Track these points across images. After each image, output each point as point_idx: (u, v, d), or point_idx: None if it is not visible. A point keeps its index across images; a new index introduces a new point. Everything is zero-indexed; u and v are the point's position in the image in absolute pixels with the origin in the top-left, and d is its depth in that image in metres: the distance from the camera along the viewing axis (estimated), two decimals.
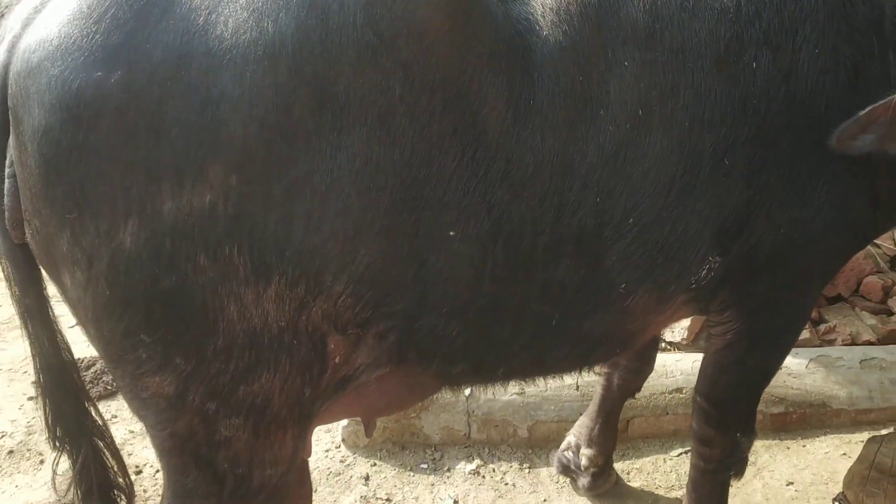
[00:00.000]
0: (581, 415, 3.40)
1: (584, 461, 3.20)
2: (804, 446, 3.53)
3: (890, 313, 4.13)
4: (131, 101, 1.45)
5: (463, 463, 3.43)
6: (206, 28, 1.49)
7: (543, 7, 1.74)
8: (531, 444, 3.53)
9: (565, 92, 1.71)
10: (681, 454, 3.50)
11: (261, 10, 1.50)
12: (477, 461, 3.44)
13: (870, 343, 3.88)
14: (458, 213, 1.70)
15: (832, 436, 3.58)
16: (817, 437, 3.56)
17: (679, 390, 3.56)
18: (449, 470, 3.41)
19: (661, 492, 3.32)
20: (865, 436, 3.56)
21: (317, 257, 1.60)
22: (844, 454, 3.47)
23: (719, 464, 2.69)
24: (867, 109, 1.86)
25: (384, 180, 1.60)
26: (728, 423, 2.61)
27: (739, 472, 2.74)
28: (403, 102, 1.57)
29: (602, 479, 3.23)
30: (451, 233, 1.71)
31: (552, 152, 1.72)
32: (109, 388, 3.84)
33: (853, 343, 3.87)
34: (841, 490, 2.95)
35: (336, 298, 1.67)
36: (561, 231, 1.79)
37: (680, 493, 3.28)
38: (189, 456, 1.76)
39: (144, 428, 1.80)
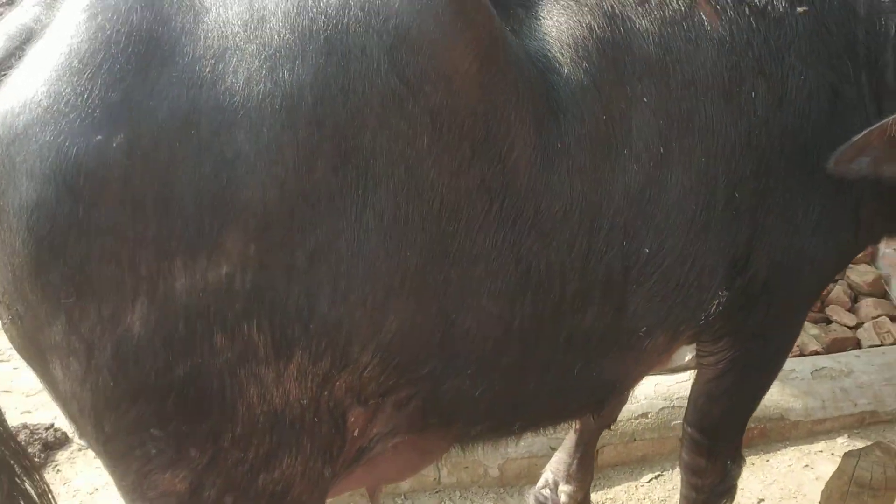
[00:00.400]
0: (551, 449, 3.33)
1: (563, 498, 3.12)
2: (768, 461, 3.57)
3: (828, 321, 4.26)
4: (137, 167, 1.27)
5: None
6: (214, 80, 1.32)
7: (560, 43, 1.66)
8: (503, 482, 3.44)
9: (590, 132, 1.63)
10: (651, 480, 3.48)
11: (274, 57, 1.34)
12: None
13: (817, 353, 3.98)
14: (487, 267, 1.59)
15: (792, 448, 3.64)
16: (779, 450, 3.61)
17: (644, 415, 3.55)
18: None
19: None
20: (822, 446, 3.66)
21: (344, 327, 1.45)
22: (807, 466, 3.54)
23: (710, 494, 2.67)
24: (863, 133, 1.87)
25: (413, 238, 1.47)
26: (719, 451, 2.60)
27: (730, 500, 2.72)
28: (432, 152, 1.45)
29: None
30: (480, 289, 1.59)
31: (581, 196, 1.64)
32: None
33: (801, 354, 3.96)
34: None
35: (363, 370, 1.53)
36: (589, 277, 1.70)
37: None
38: None
39: None
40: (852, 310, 4.33)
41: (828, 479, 3.13)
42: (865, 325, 4.22)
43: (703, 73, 1.81)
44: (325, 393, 1.51)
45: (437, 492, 3.38)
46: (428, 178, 1.45)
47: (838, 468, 2.86)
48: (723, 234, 1.88)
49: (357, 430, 1.65)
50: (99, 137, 1.25)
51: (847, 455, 2.85)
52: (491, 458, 3.40)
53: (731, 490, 2.69)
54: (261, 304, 1.37)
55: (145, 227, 1.29)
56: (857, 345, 4.14)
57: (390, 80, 1.39)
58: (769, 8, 1.97)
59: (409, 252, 1.47)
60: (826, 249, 2.19)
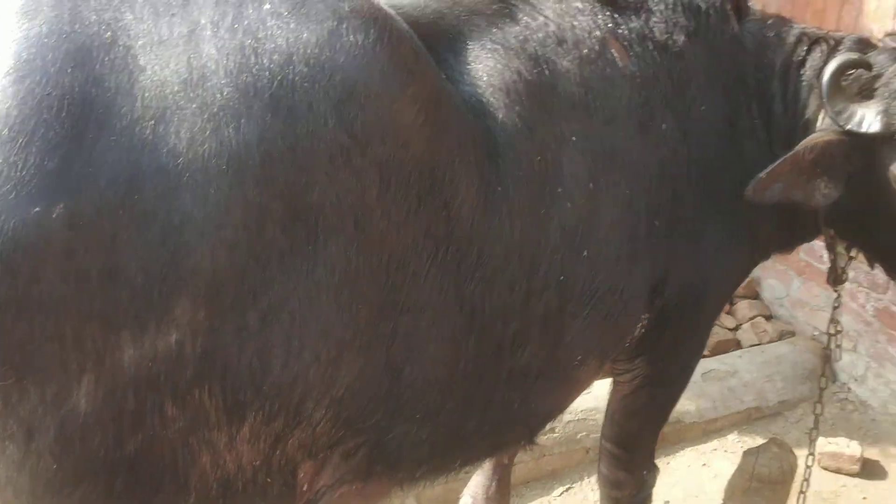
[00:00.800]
0: (465, 473, 3.36)
1: None
2: (668, 463, 3.73)
3: None
4: (80, 238, 1.20)
5: None
6: (155, 142, 1.26)
7: (492, 87, 1.68)
8: None
9: (526, 174, 1.67)
10: (563, 493, 3.56)
11: (218, 116, 1.30)
12: None
13: (704, 356, 4.20)
14: (434, 315, 1.59)
15: (689, 449, 3.83)
16: (677, 452, 3.79)
17: (552, 430, 3.63)
18: None
19: None
20: (716, 444, 3.87)
21: (298, 386, 1.42)
22: (704, 465, 3.73)
23: None
24: (777, 163, 2.00)
25: (363, 291, 1.46)
26: (636, 463, 2.70)
27: None
28: (380, 204, 1.44)
29: None
30: (427, 336, 1.59)
31: (520, 237, 1.67)
32: None
33: None
34: (721, 501, 3.15)
35: (316, 425, 1.50)
36: (529, 315, 1.74)
37: None
38: None
39: None
40: (731, 312, 4.61)
41: (724, 475, 3.34)
42: (744, 325, 4.51)
43: (621, 109, 1.89)
44: (278, 452, 1.48)
45: None
46: (377, 230, 1.45)
47: (739, 467, 3.04)
48: (646, 262, 1.97)
49: (306, 485, 1.62)
50: (37, 209, 1.17)
51: (746, 453, 3.04)
52: (407, 488, 3.38)
53: (647, 499, 2.80)
54: (212, 369, 1.33)
55: (91, 301, 1.22)
56: (738, 345, 4.42)
57: (338, 135, 1.37)
58: (669, 42, 2.08)
59: (360, 306, 1.46)
60: (728, 268, 2.34)
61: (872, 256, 2.42)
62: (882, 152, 2.01)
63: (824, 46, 2.25)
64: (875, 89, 2.00)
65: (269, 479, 1.49)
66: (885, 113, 1.95)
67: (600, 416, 3.59)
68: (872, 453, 3.74)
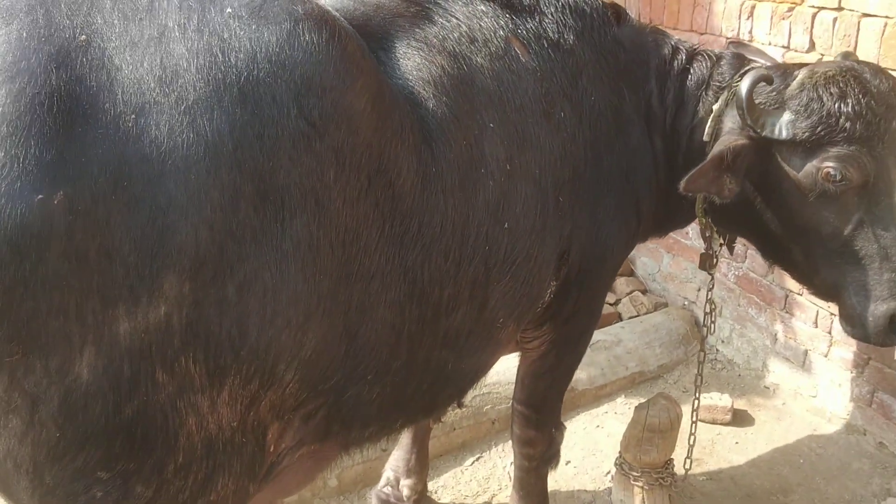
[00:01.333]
0: (383, 451, 3.55)
1: (406, 492, 3.36)
2: (566, 428, 4.05)
3: None
4: (79, 222, 1.32)
5: None
6: (138, 134, 1.40)
7: (421, 81, 1.89)
8: (342, 490, 3.58)
9: (456, 157, 1.89)
10: (473, 462, 3.81)
11: (193, 109, 1.45)
12: None
13: None
14: (382, 282, 1.78)
15: (584, 413, 4.17)
16: (574, 417, 4.11)
17: (461, 405, 3.87)
18: None
19: (469, 501, 3.59)
20: (607, 407, 4.23)
21: (272, 350, 1.58)
22: (598, 426, 4.07)
23: (541, 460, 3.05)
24: (704, 162, 2.36)
25: (324, 262, 1.63)
26: (545, 422, 2.98)
27: (556, 463, 3.12)
28: (336, 184, 1.63)
29: None
30: (377, 302, 1.79)
31: (453, 211, 1.89)
32: None
33: None
34: (619, 453, 3.48)
35: (285, 387, 1.66)
36: (460, 281, 1.96)
37: (485, 497, 3.59)
38: None
39: None
40: (611, 289, 5.01)
41: (617, 433, 3.68)
42: (623, 300, 4.92)
43: (527, 99, 2.15)
44: (252, 413, 1.63)
45: None
46: (334, 207, 1.63)
47: (633, 419, 3.37)
48: (554, 233, 2.24)
49: (272, 446, 1.77)
50: (40, 196, 1.29)
51: (638, 407, 3.38)
52: (329, 469, 3.53)
53: (556, 454, 3.09)
54: (196, 338, 1.47)
55: (90, 278, 1.34)
56: (619, 318, 4.82)
57: (300, 124, 1.55)
58: (561, 41, 2.37)
59: (322, 275, 1.63)
60: (619, 239, 2.65)
61: (751, 242, 2.79)
62: (783, 154, 2.38)
63: (708, 61, 2.64)
64: (785, 102, 2.37)
65: (244, 439, 1.64)
66: (793, 123, 2.33)
67: (503, 390, 3.91)
68: (741, 404, 4.20)
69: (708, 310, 3.26)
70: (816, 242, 2.45)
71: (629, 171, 2.56)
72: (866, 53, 3.37)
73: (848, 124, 2.27)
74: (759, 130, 2.36)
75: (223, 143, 1.46)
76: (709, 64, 2.63)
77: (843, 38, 3.51)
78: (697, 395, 3.46)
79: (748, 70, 2.51)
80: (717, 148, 2.37)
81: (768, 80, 2.38)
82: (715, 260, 2.94)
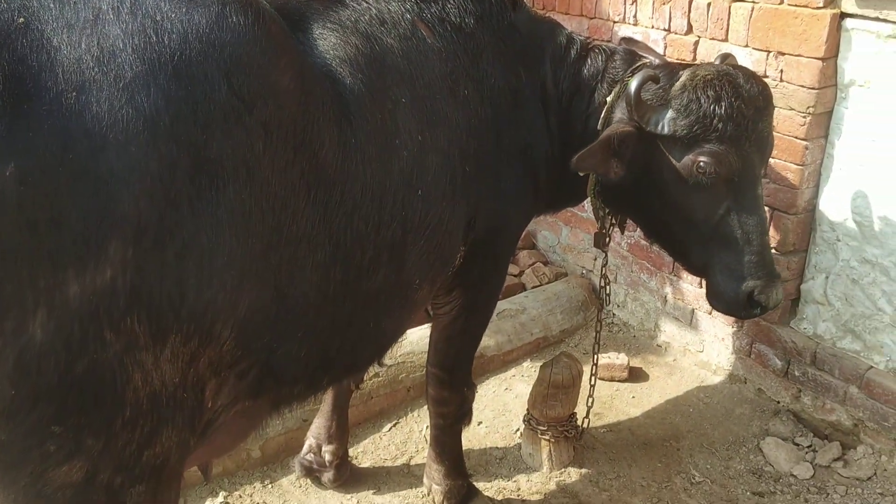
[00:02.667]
0: (304, 421, 3.70)
1: (327, 457, 3.51)
2: (477, 392, 4.28)
3: None
4: (29, 193, 1.42)
5: (209, 500, 3.47)
6: (80, 110, 1.51)
7: (338, 59, 2.05)
8: (265, 461, 3.70)
9: (373, 129, 2.06)
10: (391, 428, 3.99)
11: (130, 86, 1.56)
12: (222, 494, 3.51)
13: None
14: (309, 245, 1.93)
15: (493, 378, 4.41)
16: (484, 382, 4.34)
17: (377, 375, 4.04)
18: None
19: (388, 464, 3.78)
20: (514, 371, 4.48)
21: (209, 310, 1.71)
22: (507, 389, 4.33)
23: (454, 418, 3.26)
24: (593, 143, 2.62)
25: (256, 227, 1.77)
26: (457, 382, 3.19)
27: (469, 420, 3.34)
28: (265, 155, 1.77)
29: (343, 468, 3.57)
30: (305, 264, 1.94)
31: (371, 179, 2.05)
32: None
33: None
34: (526, 411, 3.73)
35: (222, 345, 1.79)
36: (380, 244, 2.13)
37: (403, 459, 3.79)
38: None
39: None
40: (514, 261, 5.27)
41: (524, 394, 3.93)
42: (526, 271, 5.19)
43: (434, 77, 2.33)
44: (192, 370, 1.76)
45: (205, 484, 3.54)
46: (264, 176, 1.77)
47: (538, 378, 3.63)
48: (462, 201, 2.43)
49: (210, 402, 1.90)
50: None
51: (543, 366, 3.64)
52: (252, 441, 3.65)
53: (469, 412, 3.32)
54: (140, 300, 1.59)
55: (41, 245, 1.45)
56: (523, 288, 5.09)
57: (230, 99, 1.68)
58: (462, 24, 2.56)
59: (254, 240, 1.77)
60: (518, 210, 2.88)
61: (636, 222, 3.10)
62: (665, 145, 2.66)
63: (603, 55, 2.91)
64: (669, 100, 2.64)
65: (185, 395, 1.77)
66: (674, 121, 2.61)
67: (417, 359, 4.10)
68: (636, 362, 4.54)
69: (602, 283, 3.57)
70: (690, 226, 2.77)
71: (527, 146, 2.79)
72: (736, 34, 3.73)
73: (720, 125, 2.58)
74: (644, 125, 2.63)
75: (160, 117, 1.58)
76: (604, 58, 2.91)
77: (717, 22, 3.85)
78: (596, 355, 3.77)
79: (639, 67, 2.78)
80: (606, 132, 2.63)
81: (655, 80, 2.65)
82: (608, 239, 3.22)
